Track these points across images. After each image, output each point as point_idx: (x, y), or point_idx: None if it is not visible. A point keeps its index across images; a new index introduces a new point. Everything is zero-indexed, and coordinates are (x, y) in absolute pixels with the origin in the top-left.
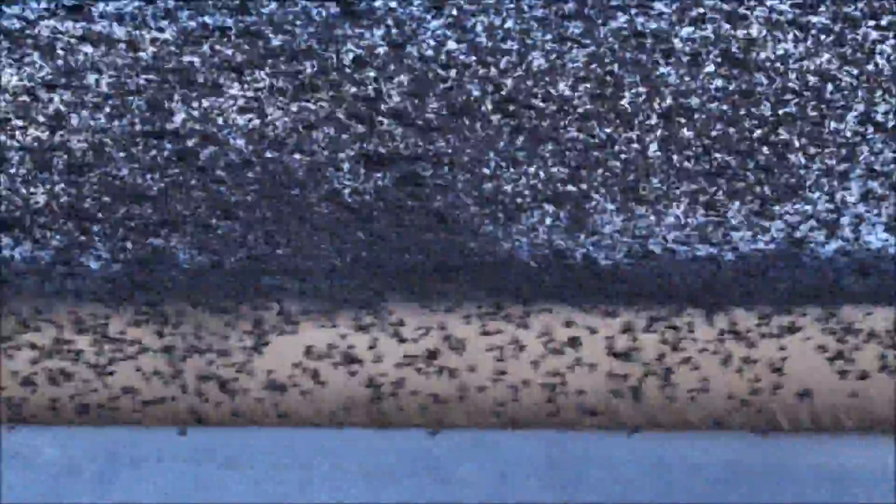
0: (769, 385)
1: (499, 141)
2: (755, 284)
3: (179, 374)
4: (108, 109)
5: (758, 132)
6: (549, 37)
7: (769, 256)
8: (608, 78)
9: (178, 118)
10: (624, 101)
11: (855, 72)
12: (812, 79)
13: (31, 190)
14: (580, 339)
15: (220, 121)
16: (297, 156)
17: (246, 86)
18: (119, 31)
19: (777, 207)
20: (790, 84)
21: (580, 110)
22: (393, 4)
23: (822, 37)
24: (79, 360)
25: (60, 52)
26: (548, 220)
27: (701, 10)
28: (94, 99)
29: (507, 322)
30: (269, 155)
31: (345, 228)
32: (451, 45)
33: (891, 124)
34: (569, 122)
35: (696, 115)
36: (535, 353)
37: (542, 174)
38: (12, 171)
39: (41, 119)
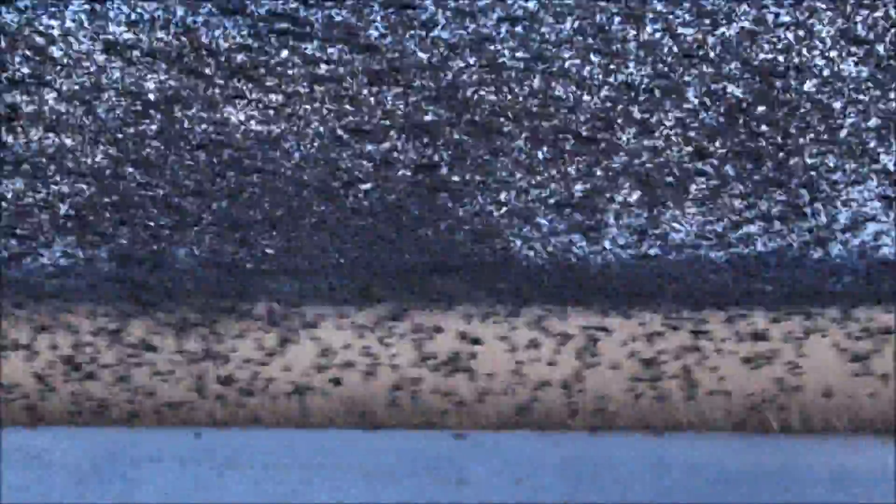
0: (786, 386)
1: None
2: (771, 286)
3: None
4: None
5: (776, 137)
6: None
7: (785, 258)
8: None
9: None
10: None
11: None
12: (824, 86)
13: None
14: (597, 339)
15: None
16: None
17: None
18: None
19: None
20: (805, 90)
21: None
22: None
23: None
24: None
25: None
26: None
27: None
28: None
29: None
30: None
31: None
32: None
33: None
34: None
35: (712, 119)
36: (550, 354)
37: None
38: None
39: None
